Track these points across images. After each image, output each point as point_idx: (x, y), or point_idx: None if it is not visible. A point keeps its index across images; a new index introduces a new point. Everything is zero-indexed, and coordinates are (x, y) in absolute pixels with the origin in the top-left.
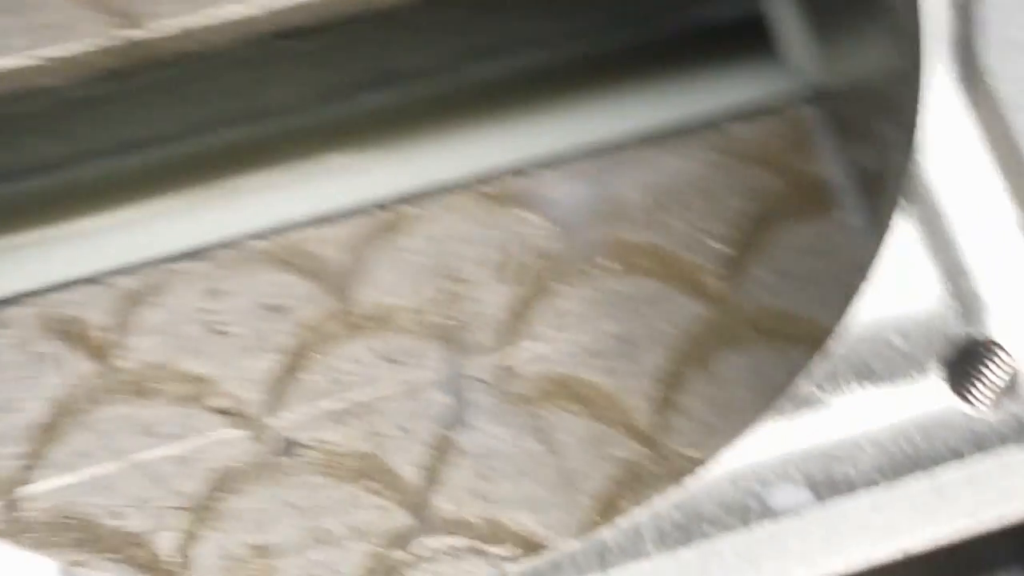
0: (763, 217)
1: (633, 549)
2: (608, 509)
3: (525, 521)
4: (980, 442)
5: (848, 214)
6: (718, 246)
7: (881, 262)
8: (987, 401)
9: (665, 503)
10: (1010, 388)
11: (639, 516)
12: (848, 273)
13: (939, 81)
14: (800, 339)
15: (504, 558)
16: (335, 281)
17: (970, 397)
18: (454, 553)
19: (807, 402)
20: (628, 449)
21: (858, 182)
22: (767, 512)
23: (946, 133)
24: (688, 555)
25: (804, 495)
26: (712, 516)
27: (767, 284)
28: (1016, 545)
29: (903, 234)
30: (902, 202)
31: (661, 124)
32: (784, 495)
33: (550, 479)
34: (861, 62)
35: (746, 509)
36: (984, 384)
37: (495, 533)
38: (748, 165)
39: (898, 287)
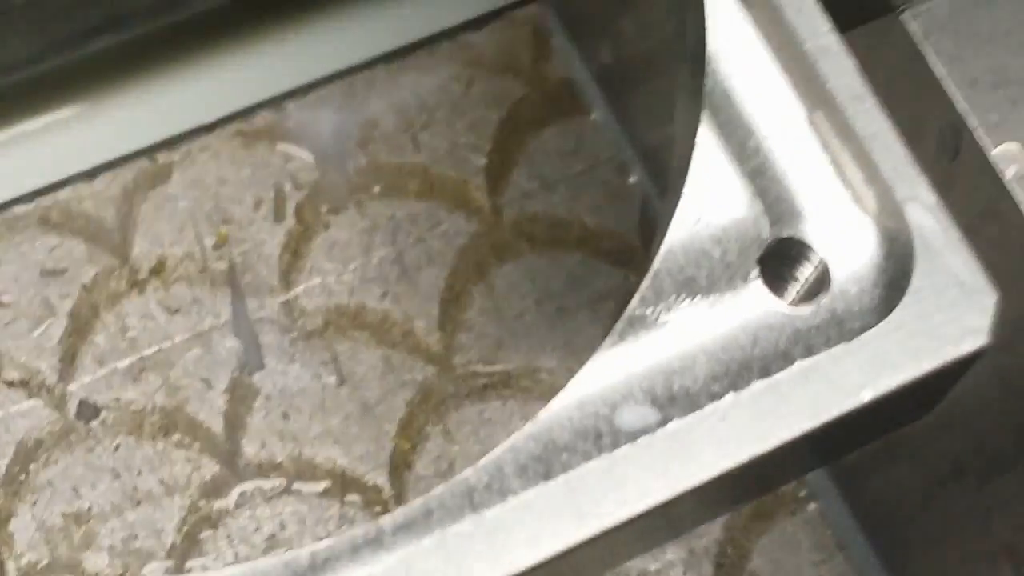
0: (516, 125)
1: (499, 487)
2: (411, 433)
3: (334, 455)
4: (804, 340)
5: (598, 112)
6: (477, 159)
7: (690, 174)
8: (799, 298)
9: (520, 436)
10: (821, 282)
11: (497, 453)
12: (606, 171)
13: None
14: (568, 243)
15: (318, 494)
16: (109, 238)
17: (785, 296)
18: (269, 495)
19: (641, 322)
20: (420, 371)
21: (601, 80)
22: (618, 434)
23: (726, 37)
24: (554, 487)
25: (649, 412)
26: (567, 443)
27: (529, 191)
28: (816, 450)
29: (706, 144)
30: (704, 114)
31: (398, 42)
32: (631, 415)
33: (351, 411)
34: None
35: (598, 433)
36: (796, 281)
37: (307, 471)
38: (492, 74)
39: (708, 197)
